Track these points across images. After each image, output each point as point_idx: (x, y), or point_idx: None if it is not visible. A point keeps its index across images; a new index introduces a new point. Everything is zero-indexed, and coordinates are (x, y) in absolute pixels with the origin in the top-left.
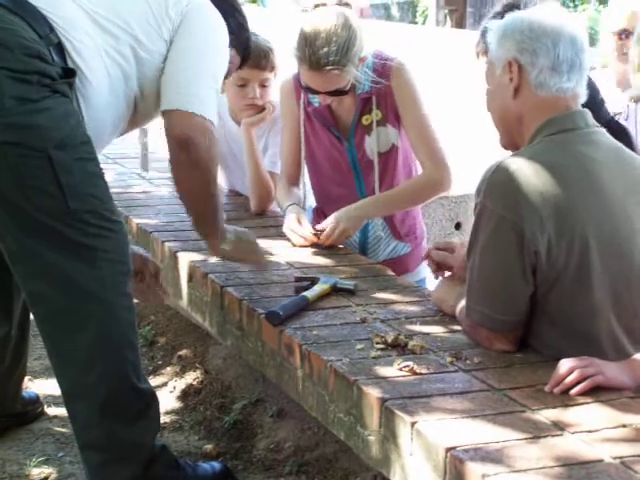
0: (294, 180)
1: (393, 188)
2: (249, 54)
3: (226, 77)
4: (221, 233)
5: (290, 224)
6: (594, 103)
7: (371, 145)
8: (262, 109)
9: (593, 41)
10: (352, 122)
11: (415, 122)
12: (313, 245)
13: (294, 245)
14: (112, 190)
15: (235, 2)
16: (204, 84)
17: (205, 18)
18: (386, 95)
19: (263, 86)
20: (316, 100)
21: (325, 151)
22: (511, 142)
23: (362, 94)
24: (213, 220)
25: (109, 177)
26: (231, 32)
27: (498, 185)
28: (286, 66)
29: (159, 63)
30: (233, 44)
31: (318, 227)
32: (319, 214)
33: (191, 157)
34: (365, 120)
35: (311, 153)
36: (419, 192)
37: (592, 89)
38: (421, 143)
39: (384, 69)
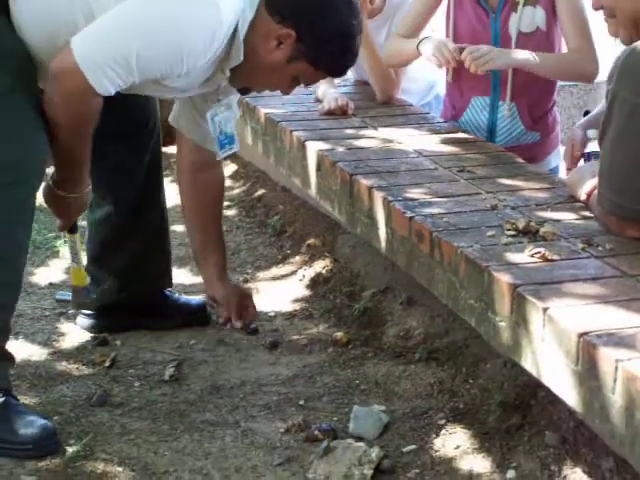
0: None
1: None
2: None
3: (307, 84)
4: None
5: (436, 44)
6: None
7: (515, 22)
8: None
9: None
10: None
11: (569, 4)
12: (457, 66)
13: (439, 67)
14: None
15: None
16: (120, 49)
17: None
18: None
19: None
20: None
21: (468, 26)
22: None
23: None
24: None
25: None
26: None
27: (631, 70)
28: None
29: None
30: (305, 57)
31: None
32: (447, 105)
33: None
34: None
35: (454, 29)
36: (568, 67)
37: None
38: (573, 27)
39: None
